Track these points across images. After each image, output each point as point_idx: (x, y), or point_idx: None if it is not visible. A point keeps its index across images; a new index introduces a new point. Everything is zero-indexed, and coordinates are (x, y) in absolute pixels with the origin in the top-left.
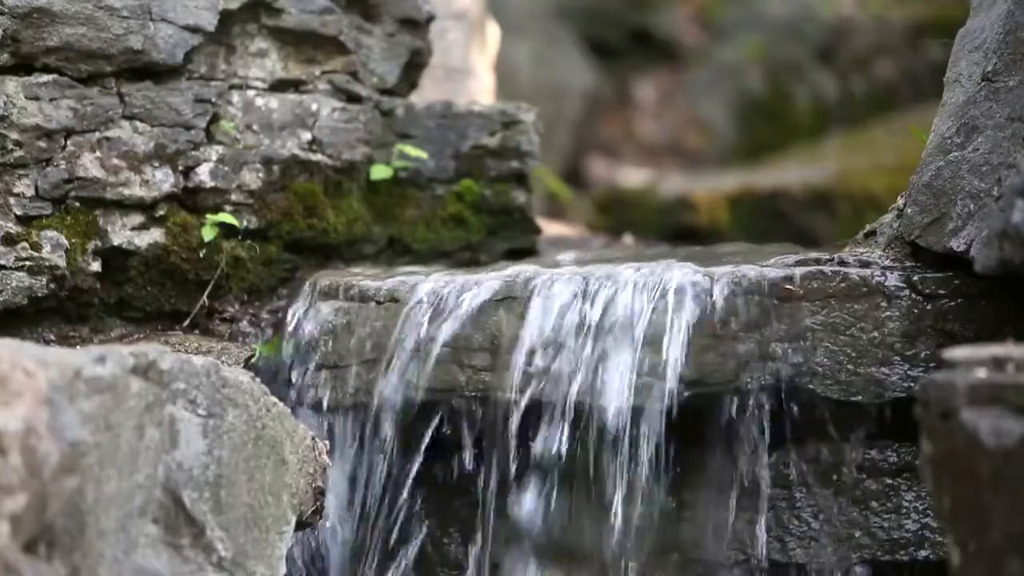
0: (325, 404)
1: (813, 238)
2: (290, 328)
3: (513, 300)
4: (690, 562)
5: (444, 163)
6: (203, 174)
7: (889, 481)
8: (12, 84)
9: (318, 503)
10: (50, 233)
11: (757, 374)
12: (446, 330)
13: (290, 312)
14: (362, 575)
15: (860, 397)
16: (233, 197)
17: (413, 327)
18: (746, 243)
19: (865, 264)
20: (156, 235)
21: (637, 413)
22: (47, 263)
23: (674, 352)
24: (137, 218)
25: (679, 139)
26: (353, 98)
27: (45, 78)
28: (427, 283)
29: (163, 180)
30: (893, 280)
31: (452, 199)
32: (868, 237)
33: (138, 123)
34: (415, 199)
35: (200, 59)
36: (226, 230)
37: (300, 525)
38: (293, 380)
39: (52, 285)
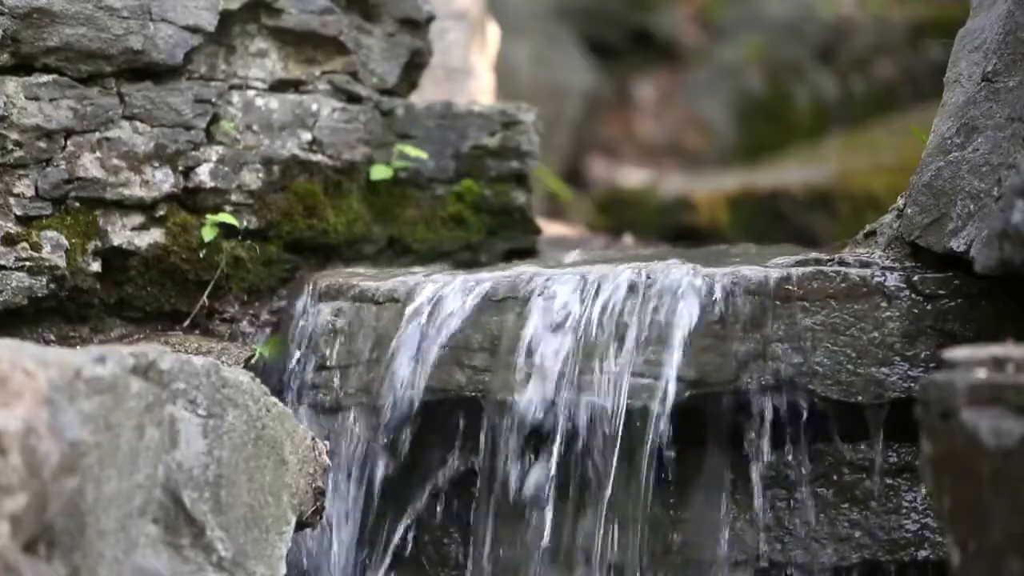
0: (325, 404)
1: (813, 238)
2: (290, 328)
3: (513, 300)
4: (690, 562)
5: (444, 163)
6: (203, 174)
7: (889, 481)
8: (12, 84)
9: (318, 503)
10: (50, 233)
11: (757, 374)
12: (446, 330)
13: (290, 312)
14: (362, 575)
15: (860, 397)
16: (233, 197)
17: (413, 327)
18: (746, 243)
19: (865, 264)
20: (156, 235)
21: (637, 413)
22: (47, 263)
23: (674, 352)
24: (137, 218)
25: (679, 139)
26: (353, 98)
27: (45, 78)
28: (427, 283)
29: (163, 180)
30: (893, 280)
31: (452, 199)
32: (868, 237)
33: (138, 123)
34: (415, 199)
35: (200, 59)
36: (226, 230)
37: (300, 525)
38: (293, 380)
39: (52, 285)
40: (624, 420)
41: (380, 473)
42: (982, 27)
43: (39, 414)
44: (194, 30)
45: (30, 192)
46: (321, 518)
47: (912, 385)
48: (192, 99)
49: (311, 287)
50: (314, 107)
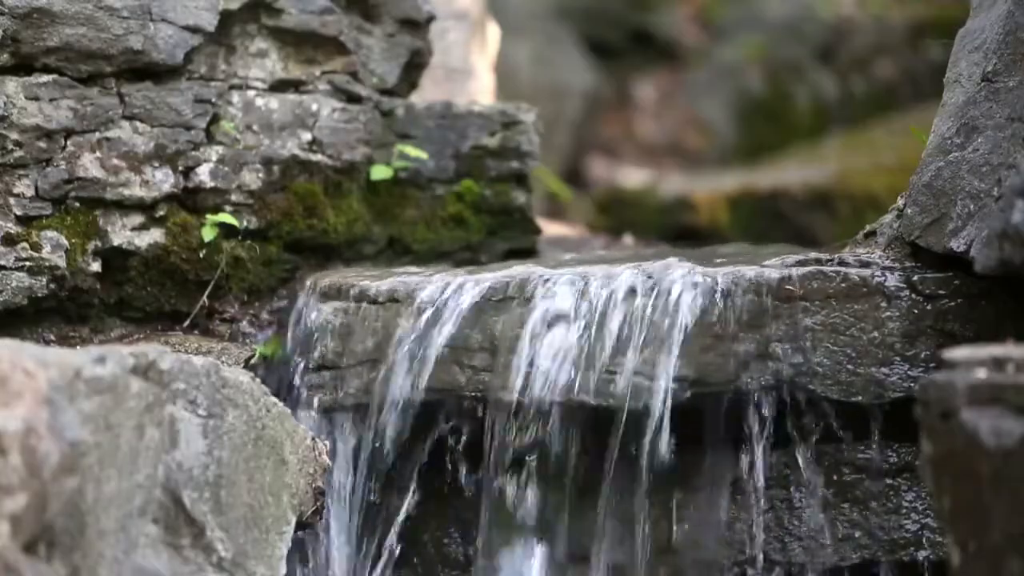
0: (325, 404)
1: (813, 238)
2: (290, 328)
3: (513, 300)
4: (690, 562)
5: (444, 163)
6: (203, 174)
7: (889, 481)
8: (12, 84)
9: (318, 503)
10: (50, 233)
11: (757, 374)
12: (446, 330)
13: (290, 312)
14: (362, 575)
15: (860, 397)
16: (233, 197)
17: (413, 327)
18: (746, 243)
19: (865, 264)
20: (156, 235)
21: (637, 413)
22: (47, 263)
23: (674, 352)
24: (137, 218)
25: (679, 139)
26: (353, 98)
27: (45, 78)
28: (427, 283)
29: (163, 180)
30: (893, 280)
31: (452, 199)
32: (868, 237)
33: (138, 123)
34: (415, 199)
35: (200, 59)
36: (226, 230)
37: (300, 525)
38: (293, 380)
39: (52, 285)
40: (624, 420)
41: (380, 473)
42: (982, 27)
43: (39, 414)
44: (194, 30)
45: (30, 192)
46: (321, 518)
47: (912, 385)
48: (192, 99)
49: (311, 287)
50: (314, 107)
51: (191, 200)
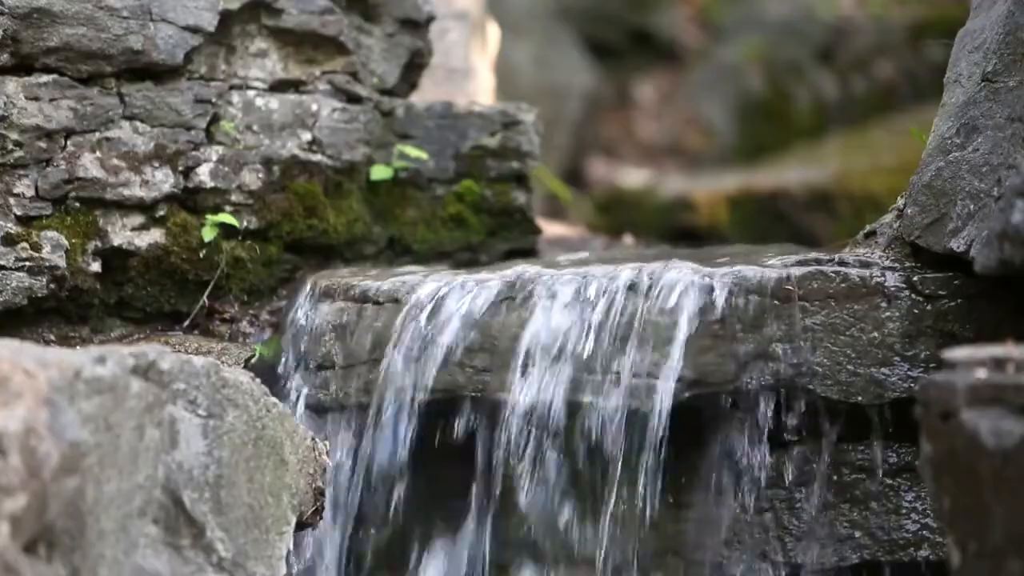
0: (325, 405)
1: (813, 238)
2: (290, 328)
3: (513, 300)
4: (690, 563)
5: (444, 163)
6: (203, 174)
7: (889, 481)
8: (12, 84)
9: (318, 503)
10: (50, 233)
11: (757, 374)
12: (446, 331)
13: (290, 312)
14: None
15: (860, 397)
16: (233, 197)
17: (413, 328)
18: (746, 243)
19: (865, 264)
20: (156, 235)
21: (637, 413)
22: (47, 263)
23: (674, 352)
24: (137, 218)
25: (679, 139)
26: (353, 98)
27: (45, 78)
28: (427, 284)
29: (163, 180)
30: (893, 280)
31: (452, 199)
32: (868, 237)
33: (138, 123)
34: (415, 199)
35: (200, 59)
36: (226, 230)
37: (300, 525)
38: (293, 380)
39: (52, 285)
40: (624, 421)
41: (379, 473)
42: (982, 27)
43: (39, 414)
44: (194, 30)
45: (30, 192)
46: (321, 518)
47: (912, 385)
48: (192, 99)
49: (311, 287)
50: (314, 107)
51: (191, 200)
